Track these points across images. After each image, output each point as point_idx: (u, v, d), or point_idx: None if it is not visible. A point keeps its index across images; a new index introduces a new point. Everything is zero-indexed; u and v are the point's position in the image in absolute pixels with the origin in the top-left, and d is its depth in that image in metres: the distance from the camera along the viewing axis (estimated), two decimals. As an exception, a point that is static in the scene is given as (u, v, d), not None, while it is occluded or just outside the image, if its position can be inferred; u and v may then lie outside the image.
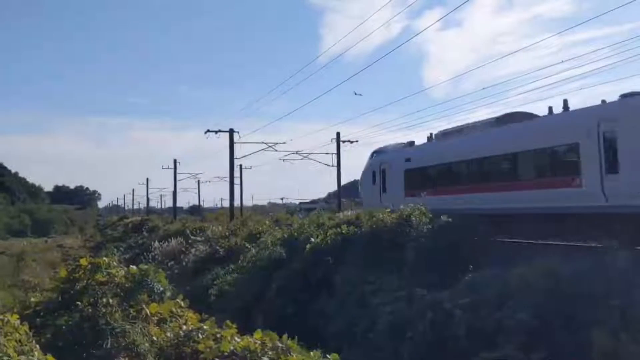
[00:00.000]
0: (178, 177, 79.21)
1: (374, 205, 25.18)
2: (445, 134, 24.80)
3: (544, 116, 19.67)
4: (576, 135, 16.76)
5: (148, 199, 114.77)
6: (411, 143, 28.21)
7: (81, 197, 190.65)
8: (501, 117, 21.82)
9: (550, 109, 19.49)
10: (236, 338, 8.84)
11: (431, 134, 26.52)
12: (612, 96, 16.72)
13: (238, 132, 46.10)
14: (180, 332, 9.40)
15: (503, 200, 17.63)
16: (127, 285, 10.27)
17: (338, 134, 47.95)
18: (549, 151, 17.95)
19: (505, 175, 19.45)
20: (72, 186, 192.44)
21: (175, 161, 78.02)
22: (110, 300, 9.84)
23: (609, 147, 15.73)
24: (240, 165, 68.10)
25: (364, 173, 29.64)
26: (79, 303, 9.93)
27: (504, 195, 18.06)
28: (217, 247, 34.38)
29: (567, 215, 16.91)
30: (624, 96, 16.46)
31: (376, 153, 29.57)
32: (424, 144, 26.80)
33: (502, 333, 11.59)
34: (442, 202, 19.24)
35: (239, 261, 26.72)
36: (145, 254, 43.50)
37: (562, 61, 48.18)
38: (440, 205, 18.78)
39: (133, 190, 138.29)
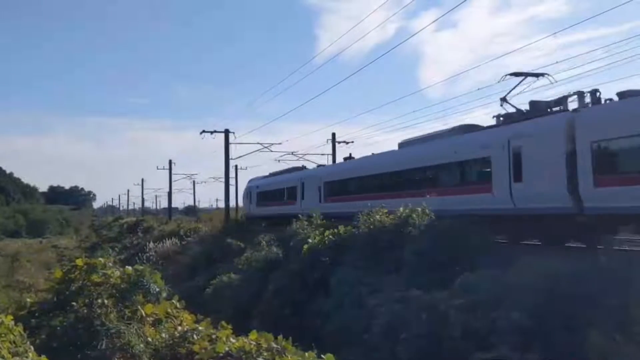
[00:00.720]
0: (173, 178, 79.20)
1: (246, 211, 48.26)
2: (272, 174, 45.81)
3: (294, 172, 40.28)
4: (297, 183, 36.70)
5: (143, 200, 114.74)
6: (266, 176, 47.42)
7: (76, 198, 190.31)
8: (289, 169, 42.77)
9: (303, 166, 43.03)
10: (231, 339, 8.83)
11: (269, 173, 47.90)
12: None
13: (234, 133, 46.18)
14: (176, 332, 9.38)
15: (286, 209, 35.85)
16: (122, 286, 10.26)
17: (333, 134, 48.09)
18: (287, 189, 38.32)
19: (283, 197, 38.70)
20: (67, 186, 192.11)
21: (170, 162, 77.96)
22: (106, 301, 9.83)
23: (303, 188, 35.48)
24: (236, 166, 68.14)
25: (244, 192, 50.34)
26: (74, 304, 9.91)
27: (282, 207, 37.51)
28: (213, 248, 34.37)
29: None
30: (318, 166, 39.57)
31: (250, 181, 50.28)
32: (267, 177, 46.59)
33: (498, 333, 11.59)
34: (269, 210, 39.76)
35: (235, 262, 26.69)
36: (140, 254, 43.43)
37: (557, 62, 48.31)
38: (267, 212, 39.54)
39: (128, 190, 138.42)
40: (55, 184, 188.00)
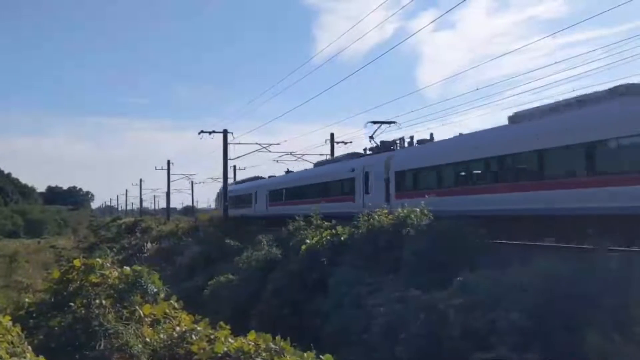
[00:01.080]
0: (172, 178, 79.32)
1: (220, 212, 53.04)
2: (237, 182, 56.77)
3: (252, 182, 49.16)
4: (252, 191, 45.51)
5: (141, 200, 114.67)
6: (232, 184, 54.40)
7: (74, 198, 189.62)
8: (251, 178, 52.01)
9: (259, 176, 52.04)
10: (230, 339, 8.79)
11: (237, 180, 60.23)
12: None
13: (232, 133, 46.11)
14: (174, 333, 9.35)
15: (245, 212, 44.57)
16: (120, 286, 10.22)
17: (332, 134, 48.04)
18: (246, 195, 46.72)
19: (243, 202, 47.01)
20: (65, 187, 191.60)
21: (168, 162, 77.98)
22: (104, 302, 9.79)
23: (256, 195, 44.37)
24: (235, 166, 68.20)
25: (216, 197, 61.99)
26: (72, 304, 9.87)
27: (242, 210, 45.34)
28: (211, 248, 34.34)
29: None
30: (269, 177, 48.30)
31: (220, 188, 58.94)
32: (233, 185, 54.60)
33: (497, 333, 11.58)
34: (234, 212, 45.07)
35: (235, 260, 26.67)
36: (138, 254, 43.39)
37: (556, 62, 48.60)
38: (232, 214, 44.38)
39: (126, 191, 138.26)
40: (53, 184, 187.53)
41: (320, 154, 47.68)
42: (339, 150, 47.18)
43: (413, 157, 25.73)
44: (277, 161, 49.38)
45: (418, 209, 18.65)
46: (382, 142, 30.87)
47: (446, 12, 74.83)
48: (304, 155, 47.83)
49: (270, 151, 48.15)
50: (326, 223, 23.08)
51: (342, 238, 20.33)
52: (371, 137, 31.90)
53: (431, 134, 27.54)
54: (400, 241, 17.57)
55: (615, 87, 16.30)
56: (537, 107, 19.15)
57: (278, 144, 60.76)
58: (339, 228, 20.95)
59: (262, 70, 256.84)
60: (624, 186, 14.52)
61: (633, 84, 16.38)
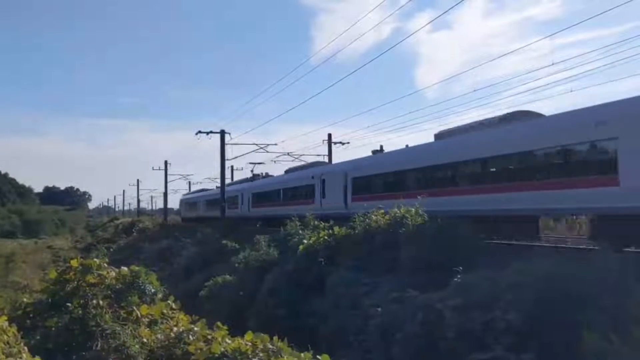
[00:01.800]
0: (169, 178, 79.39)
1: (182, 214, 79.42)
2: (193, 192, 79.41)
3: (198, 192, 74.30)
4: (198, 200, 70.18)
5: (139, 200, 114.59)
6: (190, 192, 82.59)
7: (71, 198, 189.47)
8: (199, 189, 78.22)
9: (204, 189, 75.94)
10: (227, 340, 8.79)
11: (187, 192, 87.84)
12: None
13: (229, 134, 46.17)
14: (171, 333, 9.33)
15: (198, 213, 66.09)
16: (117, 286, 10.21)
17: (329, 135, 48.05)
18: (195, 202, 70.31)
19: (196, 207, 68.20)
20: (62, 187, 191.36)
21: (166, 162, 78.02)
22: (101, 302, 9.77)
23: (201, 203, 67.18)
24: (232, 167, 68.32)
25: (180, 202, 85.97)
26: (69, 304, 9.85)
27: (196, 212, 67.15)
28: (209, 248, 34.31)
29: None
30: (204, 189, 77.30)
31: (182, 195, 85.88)
32: (191, 193, 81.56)
33: (494, 334, 11.59)
34: (191, 214, 68.96)
35: (233, 259, 26.64)
36: (135, 255, 43.29)
37: (553, 63, 48.71)
38: (190, 215, 70.23)
39: (124, 191, 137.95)
40: (50, 185, 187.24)
41: (318, 154, 47.96)
42: (337, 151, 47.53)
43: (259, 185, 46.47)
44: (275, 162, 50.01)
45: (413, 209, 18.66)
46: (253, 174, 53.57)
47: (443, 13, 75.44)
48: (301, 155, 48.11)
49: (267, 151, 48.38)
50: (323, 224, 23.11)
51: (339, 238, 20.30)
52: (252, 170, 55.23)
53: (267, 173, 52.04)
54: (397, 241, 17.56)
55: (314, 162, 41.60)
56: (296, 166, 43.38)
57: (275, 144, 61.01)
58: (336, 228, 20.93)
59: (260, 70, 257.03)
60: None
61: (324, 163, 41.43)
